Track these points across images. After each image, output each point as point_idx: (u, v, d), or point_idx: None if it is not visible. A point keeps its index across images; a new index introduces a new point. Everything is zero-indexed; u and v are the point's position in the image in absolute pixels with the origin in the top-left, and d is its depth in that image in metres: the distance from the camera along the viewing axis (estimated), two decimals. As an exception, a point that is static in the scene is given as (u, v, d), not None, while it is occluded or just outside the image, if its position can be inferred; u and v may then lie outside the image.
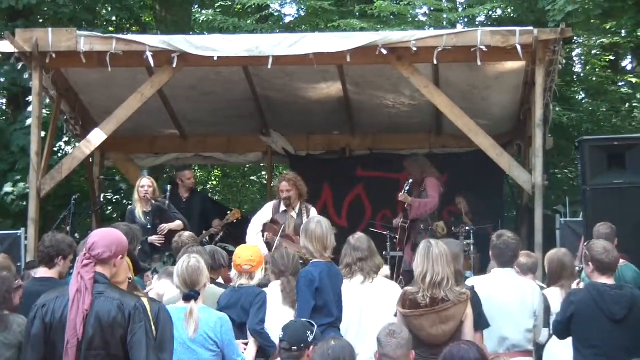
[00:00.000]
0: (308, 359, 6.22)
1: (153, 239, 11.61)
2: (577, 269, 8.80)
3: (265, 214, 11.60)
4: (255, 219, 11.70)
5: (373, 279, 7.81)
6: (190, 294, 6.87)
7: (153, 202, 11.83)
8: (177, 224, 11.84)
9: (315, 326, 6.60)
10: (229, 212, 13.66)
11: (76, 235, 12.40)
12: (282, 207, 11.47)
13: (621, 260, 8.87)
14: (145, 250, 11.57)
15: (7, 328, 7.02)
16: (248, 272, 7.80)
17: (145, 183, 12.08)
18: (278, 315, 7.72)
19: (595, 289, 7.31)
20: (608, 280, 7.38)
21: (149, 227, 11.74)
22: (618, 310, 7.20)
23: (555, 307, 8.02)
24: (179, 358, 6.67)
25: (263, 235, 11.40)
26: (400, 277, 12.04)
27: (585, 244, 7.96)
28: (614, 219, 9.24)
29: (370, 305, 7.58)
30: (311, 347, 6.25)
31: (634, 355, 6.77)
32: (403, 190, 12.46)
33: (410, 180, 12.57)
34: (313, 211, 11.49)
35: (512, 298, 7.78)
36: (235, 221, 13.34)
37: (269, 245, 11.12)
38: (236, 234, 13.24)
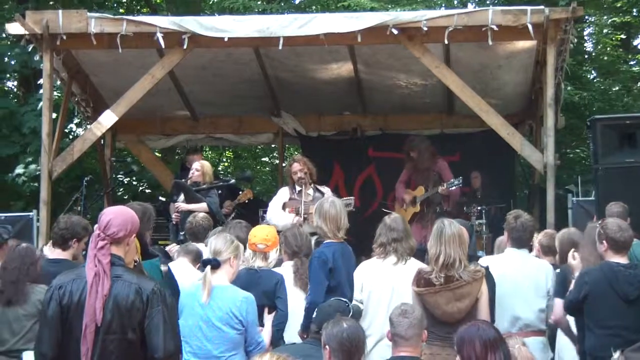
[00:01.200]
0: None
1: (174, 215, 11.70)
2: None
3: (282, 196, 11.56)
4: (273, 202, 11.63)
5: (406, 261, 7.77)
6: (209, 259, 6.83)
7: (174, 181, 11.87)
8: (199, 206, 11.73)
9: (351, 308, 6.58)
10: (240, 193, 13.66)
11: (88, 217, 12.44)
12: (297, 188, 11.45)
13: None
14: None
15: (27, 300, 7.11)
16: (263, 251, 7.76)
17: (195, 166, 12.19)
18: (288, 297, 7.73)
19: (609, 269, 7.27)
20: (622, 259, 7.34)
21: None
22: (632, 290, 7.17)
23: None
24: (204, 335, 6.70)
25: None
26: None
27: (599, 222, 7.93)
28: (626, 198, 9.21)
29: (401, 286, 7.53)
30: None
31: None
32: (446, 185, 12.51)
33: (461, 179, 12.58)
34: (327, 191, 11.55)
35: (525, 278, 7.80)
36: (247, 201, 13.34)
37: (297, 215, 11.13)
38: (247, 215, 13.25)
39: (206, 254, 8.45)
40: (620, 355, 4.74)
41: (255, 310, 6.92)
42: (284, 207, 11.44)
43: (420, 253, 9.69)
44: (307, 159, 11.64)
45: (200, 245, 8.98)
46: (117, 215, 5.33)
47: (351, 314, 6.45)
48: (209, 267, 6.77)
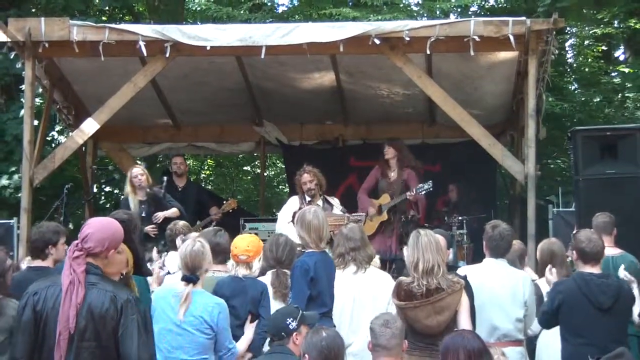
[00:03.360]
0: (295, 345, 6.25)
1: (147, 228, 11.59)
2: (568, 258, 8.82)
3: (292, 205, 11.57)
4: (283, 211, 11.63)
5: (365, 269, 7.83)
6: (190, 277, 6.86)
7: (148, 190, 11.86)
8: (173, 211, 11.89)
9: (301, 310, 6.61)
10: (225, 202, 13.67)
11: (69, 224, 12.41)
12: (307, 198, 11.47)
13: (618, 251, 8.91)
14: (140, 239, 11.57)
15: (1, 313, 7.04)
16: (245, 262, 7.79)
17: (137, 172, 12.13)
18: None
19: (582, 278, 7.38)
20: (593, 269, 7.47)
21: (143, 215, 11.68)
22: (605, 299, 7.27)
23: (548, 296, 8.06)
24: (174, 339, 6.74)
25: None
26: (393, 265, 12.03)
27: (573, 233, 8.04)
28: (606, 209, 9.25)
29: (363, 295, 7.59)
30: (295, 334, 6.29)
31: (620, 344, 6.81)
32: (416, 191, 12.39)
33: (431, 182, 12.52)
34: (336, 202, 11.60)
35: (503, 288, 7.82)
36: (230, 211, 13.37)
37: None
38: (229, 223, 13.26)
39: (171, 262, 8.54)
40: None
41: (226, 316, 6.98)
42: (293, 217, 11.44)
43: (382, 262, 9.74)
44: (317, 170, 11.63)
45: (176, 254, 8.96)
46: (97, 231, 5.30)
47: (300, 315, 6.48)
48: (190, 285, 6.81)
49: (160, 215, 11.73)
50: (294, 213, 11.30)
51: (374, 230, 12.52)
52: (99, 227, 5.36)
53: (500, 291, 7.80)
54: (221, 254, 8.04)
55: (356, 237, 7.94)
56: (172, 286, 7.00)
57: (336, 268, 7.92)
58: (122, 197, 12.68)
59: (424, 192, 12.38)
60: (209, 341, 6.83)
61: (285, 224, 11.34)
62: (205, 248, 7.09)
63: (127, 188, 12.16)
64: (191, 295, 6.79)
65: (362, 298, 7.58)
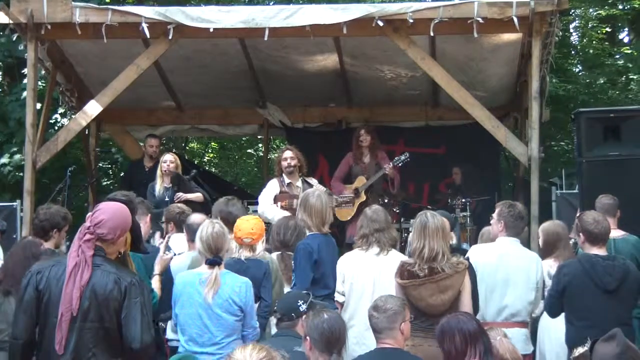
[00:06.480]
0: (302, 329, 6.25)
1: None
2: (572, 241, 8.82)
3: (272, 188, 11.51)
4: (264, 194, 11.56)
5: (388, 252, 7.78)
6: (215, 259, 6.88)
7: (173, 172, 11.85)
8: (197, 195, 11.81)
9: (311, 295, 6.61)
10: None
11: (72, 207, 12.39)
12: (287, 180, 11.44)
13: (621, 233, 8.90)
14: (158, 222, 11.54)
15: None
16: (249, 244, 7.79)
17: (168, 158, 12.10)
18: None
19: (587, 260, 7.36)
20: (599, 251, 7.46)
21: (166, 200, 11.65)
22: (610, 281, 7.26)
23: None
24: (204, 323, 6.76)
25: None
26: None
27: (578, 215, 8.02)
28: (610, 191, 9.25)
29: (383, 277, 7.53)
30: (303, 316, 6.29)
31: (625, 326, 6.80)
32: (393, 163, 12.42)
33: (408, 154, 12.51)
34: (315, 182, 11.53)
35: (518, 267, 7.81)
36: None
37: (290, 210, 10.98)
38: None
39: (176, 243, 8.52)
40: (586, 349, 4.74)
41: (252, 294, 6.98)
42: (275, 200, 11.40)
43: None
44: (299, 152, 11.62)
45: (181, 235, 8.92)
46: (111, 218, 5.34)
47: (310, 300, 6.47)
48: (216, 268, 6.83)
49: (182, 195, 11.67)
50: (275, 197, 11.30)
51: (353, 214, 12.50)
52: (112, 214, 5.38)
53: (515, 271, 7.79)
54: (233, 224, 7.97)
55: (380, 218, 7.88)
56: (198, 270, 7.00)
57: (358, 249, 7.89)
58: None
59: (401, 163, 12.39)
60: (238, 322, 6.86)
61: (269, 206, 11.29)
62: (225, 229, 7.11)
63: (158, 172, 12.16)
64: (220, 279, 6.81)
65: (383, 280, 7.52)
